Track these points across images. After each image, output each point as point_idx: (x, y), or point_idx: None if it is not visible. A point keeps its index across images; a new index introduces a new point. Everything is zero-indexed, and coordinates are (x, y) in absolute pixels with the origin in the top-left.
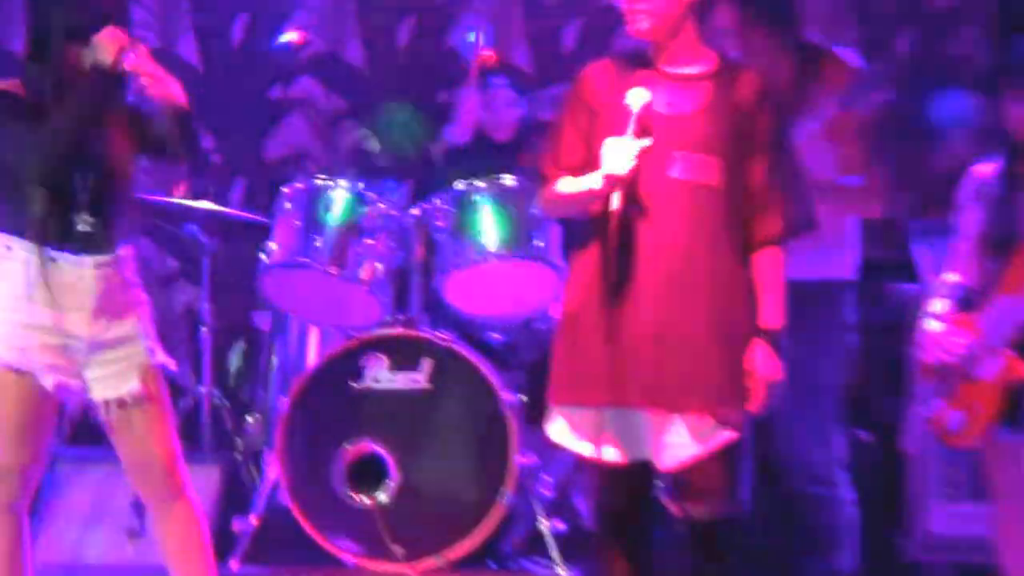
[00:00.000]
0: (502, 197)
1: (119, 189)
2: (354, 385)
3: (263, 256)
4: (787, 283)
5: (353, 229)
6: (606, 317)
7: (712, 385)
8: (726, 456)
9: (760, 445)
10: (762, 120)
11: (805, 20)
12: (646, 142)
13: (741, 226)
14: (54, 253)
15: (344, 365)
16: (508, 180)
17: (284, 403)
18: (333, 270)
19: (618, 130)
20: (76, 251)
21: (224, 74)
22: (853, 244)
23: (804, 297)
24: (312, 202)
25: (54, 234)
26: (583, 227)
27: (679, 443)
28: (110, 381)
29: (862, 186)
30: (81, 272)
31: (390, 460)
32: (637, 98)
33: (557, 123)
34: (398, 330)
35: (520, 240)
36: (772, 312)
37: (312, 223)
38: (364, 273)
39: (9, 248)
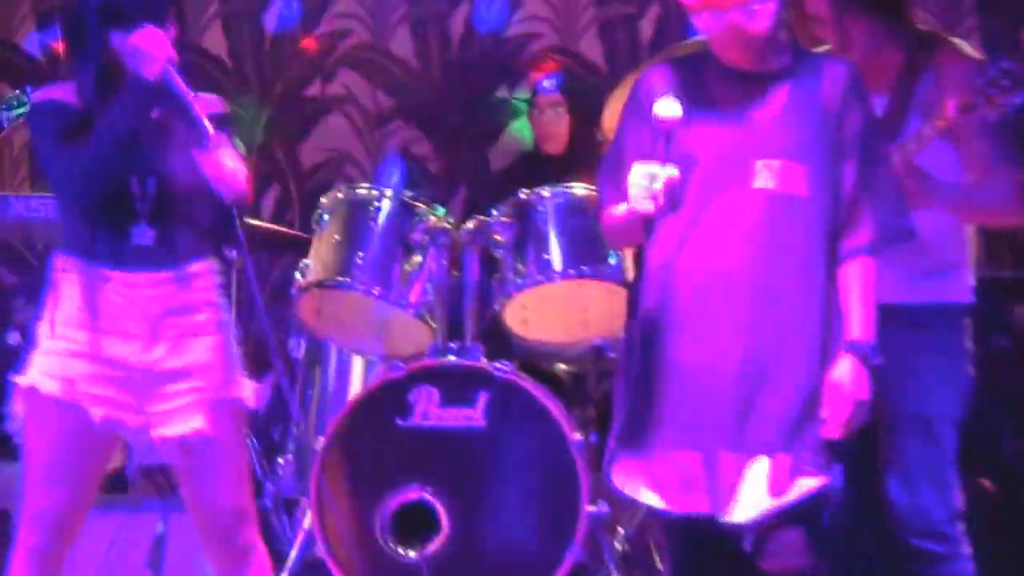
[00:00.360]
0: (570, 208)
1: (186, 194)
2: (400, 422)
3: (297, 275)
4: (897, 308)
5: (400, 244)
6: (677, 349)
7: (802, 422)
8: (814, 504)
9: (866, 488)
10: (851, 119)
11: (914, 5)
12: (673, 171)
13: (832, 238)
14: (108, 271)
15: (389, 400)
16: (577, 188)
17: (320, 443)
18: (377, 291)
19: (681, 144)
20: (133, 268)
21: (254, 69)
22: (969, 262)
23: (917, 324)
24: (353, 214)
25: (106, 250)
26: (646, 247)
27: (760, 489)
28: (172, 418)
29: (987, 195)
30: (136, 293)
31: (440, 508)
32: (667, 111)
33: (614, 137)
34: (451, 360)
35: (590, 257)
36: (860, 324)
37: (353, 238)
38: (412, 295)
39: (65, 270)
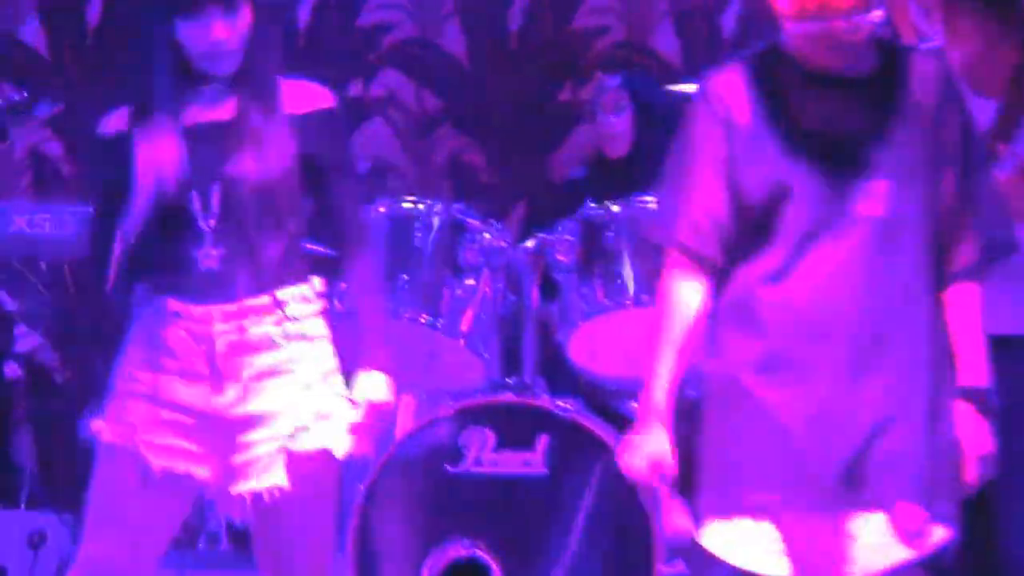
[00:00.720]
0: (644, 225)
1: (265, 205)
2: (450, 468)
3: (334, 301)
4: (1012, 339)
5: (450, 266)
6: (772, 394)
7: (923, 468)
8: (936, 560)
9: (979, 537)
10: (949, 123)
11: None
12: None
13: (936, 263)
14: (174, 303)
15: (437, 442)
16: (652, 203)
17: (359, 491)
18: (424, 319)
19: (761, 165)
20: (200, 299)
21: (287, 66)
22: None
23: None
24: (397, 231)
25: (170, 279)
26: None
27: (877, 546)
28: (247, 471)
29: None
30: (203, 328)
31: (494, 566)
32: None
33: (675, 166)
34: (507, 397)
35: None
36: (975, 366)
37: (397, 258)
38: (464, 323)
39: (138, 302)
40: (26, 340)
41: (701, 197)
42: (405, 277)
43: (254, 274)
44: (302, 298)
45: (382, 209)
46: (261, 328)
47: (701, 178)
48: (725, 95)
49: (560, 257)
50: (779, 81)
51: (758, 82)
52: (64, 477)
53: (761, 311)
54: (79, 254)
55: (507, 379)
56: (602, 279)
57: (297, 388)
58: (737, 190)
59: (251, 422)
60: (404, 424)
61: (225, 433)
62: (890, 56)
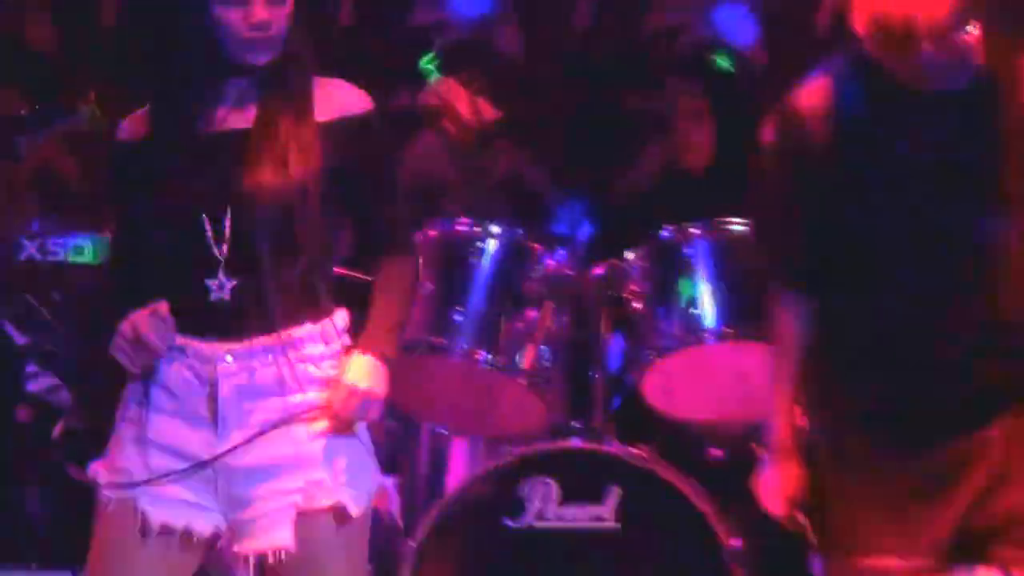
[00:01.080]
0: (725, 248)
1: (284, 229)
2: (510, 523)
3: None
4: None
5: (509, 296)
6: (888, 439)
7: None
8: None
9: None
10: None
11: None
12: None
13: None
14: (182, 339)
15: (496, 494)
16: (735, 224)
17: (409, 547)
18: (480, 356)
19: (849, 190)
20: (207, 333)
21: (327, 72)
22: None
23: None
24: (450, 257)
25: (179, 311)
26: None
27: None
28: (253, 528)
29: None
30: (207, 367)
31: None
32: None
33: (764, 188)
34: (573, 444)
35: (752, 312)
36: None
37: (450, 287)
38: (524, 360)
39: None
40: (37, 380)
41: (798, 222)
42: (460, 309)
43: (268, 308)
44: (321, 336)
45: (433, 232)
46: (271, 370)
47: (793, 201)
48: (810, 108)
49: (632, 286)
50: (867, 99)
51: (844, 99)
52: (79, 532)
53: (863, 354)
54: (96, 283)
55: (573, 423)
56: (679, 310)
57: (310, 438)
58: (831, 214)
59: (257, 474)
60: (458, 474)
61: (228, 485)
62: (994, 62)
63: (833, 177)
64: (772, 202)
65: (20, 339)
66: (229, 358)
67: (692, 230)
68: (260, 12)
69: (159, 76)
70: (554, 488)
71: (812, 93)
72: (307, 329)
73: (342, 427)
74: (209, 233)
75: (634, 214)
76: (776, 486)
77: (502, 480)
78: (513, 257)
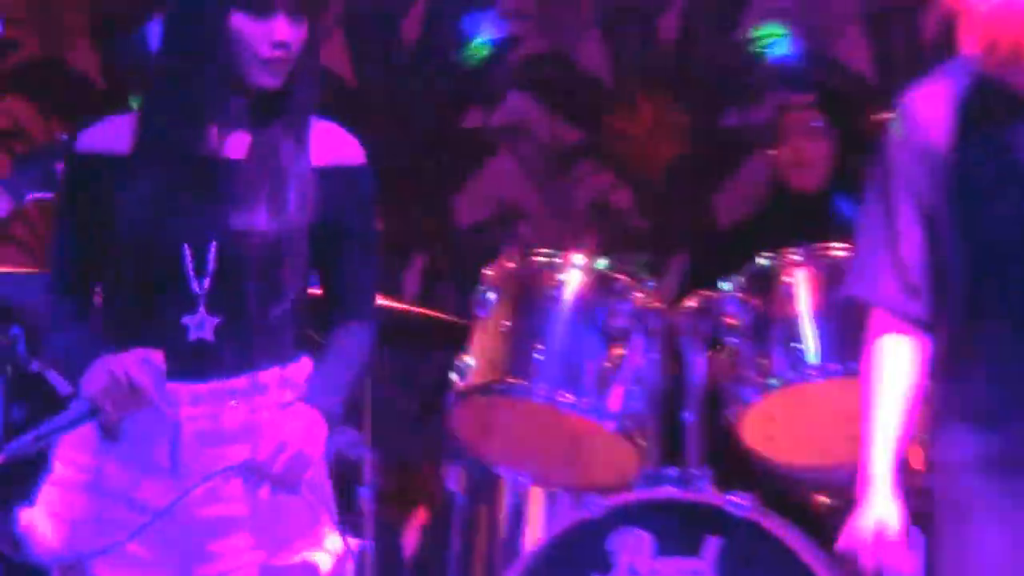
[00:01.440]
0: (831, 276)
1: (270, 267)
2: None
3: (454, 376)
4: None
5: (594, 333)
6: (1012, 499)
7: None
8: None
9: None
10: None
11: None
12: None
13: None
14: None
15: (583, 548)
16: (840, 248)
17: None
18: (564, 397)
19: (968, 202)
20: (181, 375)
21: (388, 91)
22: None
23: None
24: (529, 291)
25: (148, 348)
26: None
27: None
28: None
29: None
30: (174, 409)
31: None
32: None
33: (872, 205)
34: (667, 492)
35: (861, 346)
36: None
37: (529, 324)
38: (612, 401)
39: None
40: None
41: (907, 243)
42: (539, 347)
43: (244, 349)
44: (288, 382)
45: (510, 264)
46: (238, 415)
47: (904, 220)
48: (925, 118)
49: (729, 320)
50: (986, 105)
51: (964, 104)
52: None
53: (986, 392)
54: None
55: (666, 470)
56: (781, 345)
57: (262, 492)
58: (944, 232)
59: (219, 527)
60: (539, 526)
61: (186, 539)
62: None
63: (953, 186)
64: (885, 216)
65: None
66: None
67: (793, 257)
68: (284, 30)
69: (157, 86)
70: (647, 541)
71: (932, 94)
72: (275, 374)
73: (275, 484)
74: (190, 266)
75: (731, 240)
76: (864, 532)
77: (589, 533)
78: (598, 290)
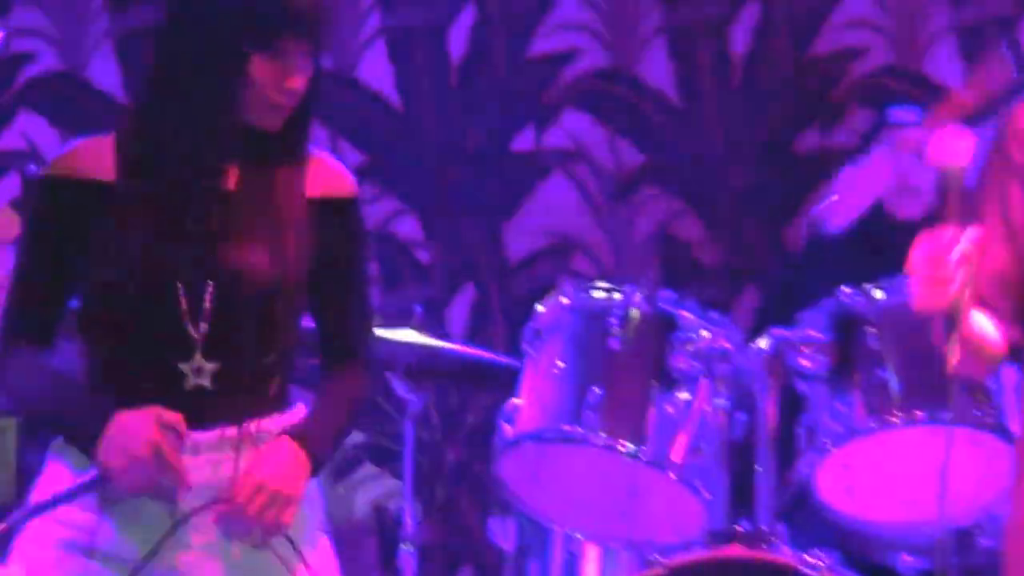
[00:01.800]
0: (916, 316)
1: (269, 309)
2: None
3: (503, 423)
4: None
5: (657, 375)
6: None
7: None
8: None
9: None
10: None
11: None
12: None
13: None
14: None
15: None
16: None
17: None
18: (623, 446)
19: None
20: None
21: (434, 110)
22: None
23: None
24: (585, 329)
25: (141, 398)
26: None
27: None
28: None
29: None
30: (185, 476)
31: None
32: (950, 152)
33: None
34: (736, 551)
35: (947, 391)
36: None
37: (586, 365)
38: (675, 451)
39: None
40: None
41: (1000, 273)
42: (596, 391)
43: (243, 396)
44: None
45: (565, 300)
46: (233, 465)
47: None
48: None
49: (804, 362)
50: None
51: None
52: None
53: None
54: None
55: (736, 526)
56: (861, 390)
57: (274, 550)
58: None
59: None
60: None
61: None
62: None
63: None
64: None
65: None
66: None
67: (876, 293)
68: (299, 79)
69: (153, 111)
70: None
71: None
72: (275, 420)
73: (247, 532)
74: (184, 308)
75: (808, 274)
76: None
77: None
78: (661, 328)
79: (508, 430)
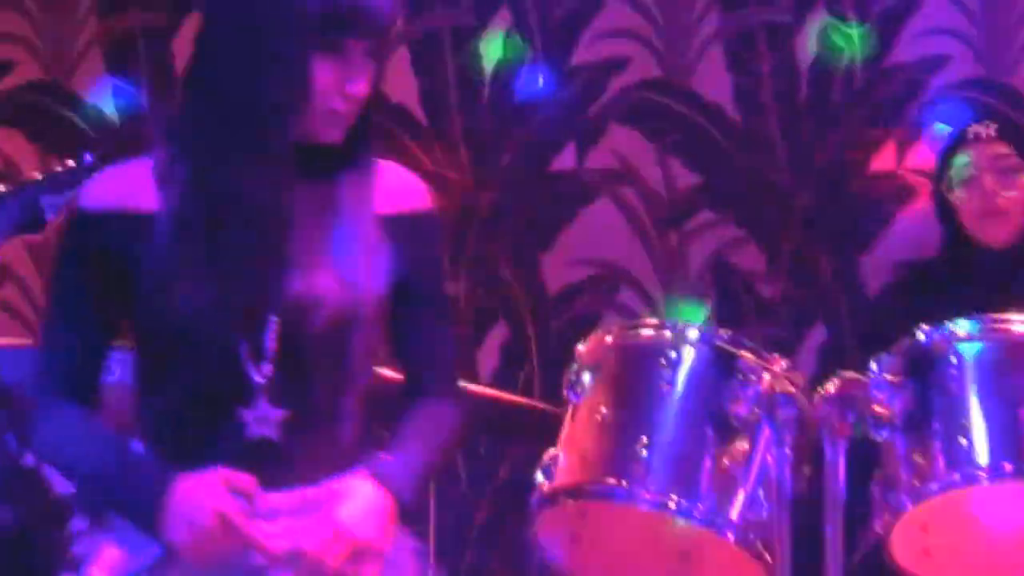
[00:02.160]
0: (1006, 356)
1: (340, 346)
2: None
3: (539, 475)
4: None
5: (712, 423)
6: None
7: None
8: None
9: None
10: None
11: None
12: None
13: None
14: None
15: None
16: (1019, 322)
17: None
18: (674, 502)
19: None
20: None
21: (463, 127)
22: None
23: None
24: (633, 371)
25: (202, 450)
26: None
27: None
28: None
29: None
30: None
31: None
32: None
33: None
34: None
35: None
36: None
37: (633, 412)
38: (733, 508)
39: None
40: None
41: None
42: (645, 440)
43: (316, 447)
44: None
45: (609, 338)
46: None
47: None
48: None
49: (878, 409)
50: None
51: None
52: None
53: None
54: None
55: None
56: (942, 440)
57: None
58: None
59: None
60: None
61: None
62: None
63: None
64: None
65: None
66: None
67: (957, 331)
68: (363, 84)
69: (205, 130)
70: None
71: None
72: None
73: None
74: (244, 349)
75: (883, 311)
76: None
77: None
78: (717, 370)
79: (544, 485)
